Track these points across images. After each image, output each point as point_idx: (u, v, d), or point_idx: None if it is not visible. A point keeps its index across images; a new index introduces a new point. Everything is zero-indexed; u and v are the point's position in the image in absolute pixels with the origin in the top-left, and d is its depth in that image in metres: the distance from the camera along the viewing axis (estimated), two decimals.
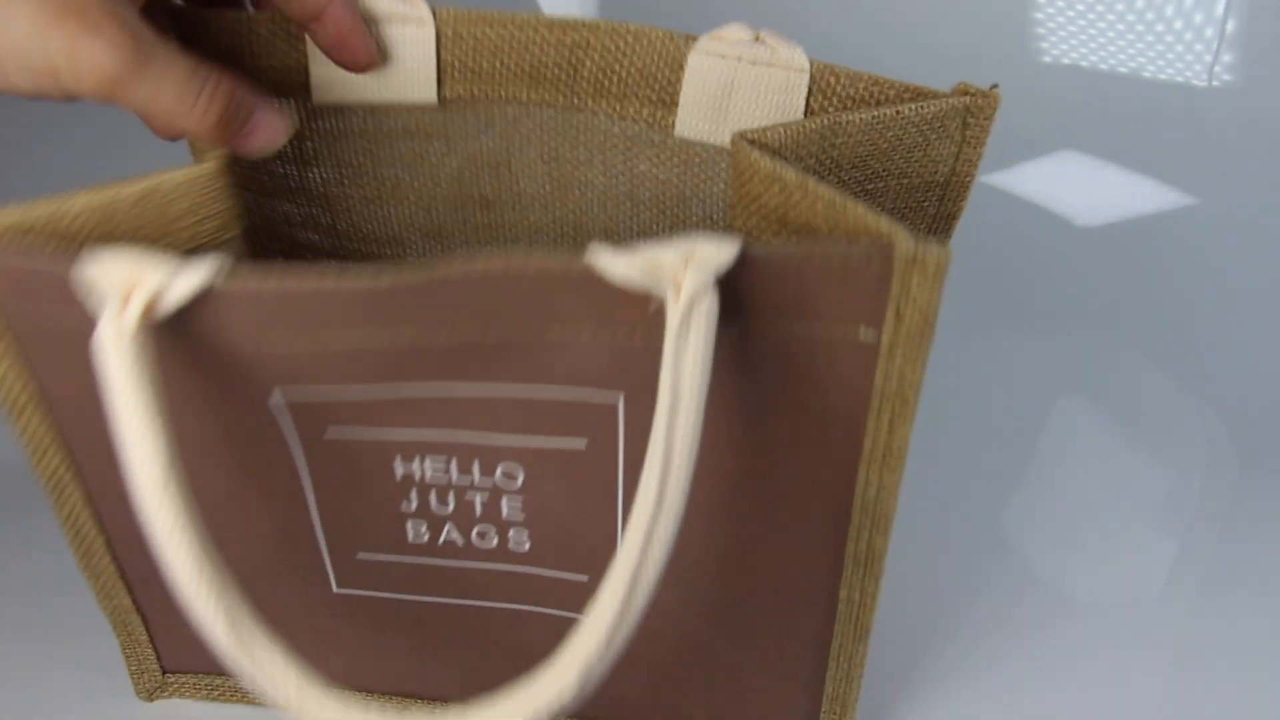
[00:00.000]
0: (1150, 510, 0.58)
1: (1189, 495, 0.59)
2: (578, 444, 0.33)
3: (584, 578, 0.36)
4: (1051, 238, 0.76)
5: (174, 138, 0.33)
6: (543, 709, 0.28)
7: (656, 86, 0.37)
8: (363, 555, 0.37)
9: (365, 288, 0.29)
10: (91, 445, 0.35)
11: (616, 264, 0.27)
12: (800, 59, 0.36)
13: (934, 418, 0.65)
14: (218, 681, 0.43)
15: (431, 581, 0.38)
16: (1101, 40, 0.77)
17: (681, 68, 0.37)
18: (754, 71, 0.36)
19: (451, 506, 0.35)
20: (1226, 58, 0.75)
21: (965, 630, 0.49)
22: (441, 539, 0.36)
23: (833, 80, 0.36)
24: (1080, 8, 0.77)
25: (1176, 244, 0.74)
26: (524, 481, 0.34)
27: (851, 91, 0.36)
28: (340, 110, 0.39)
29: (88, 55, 0.29)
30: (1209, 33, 0.75)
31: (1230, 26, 0.75)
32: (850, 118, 0.33)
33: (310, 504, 0.36)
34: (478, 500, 0.35)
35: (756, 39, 0.36)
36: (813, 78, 0.36)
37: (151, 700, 0.44)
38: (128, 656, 0.43)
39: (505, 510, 0.35)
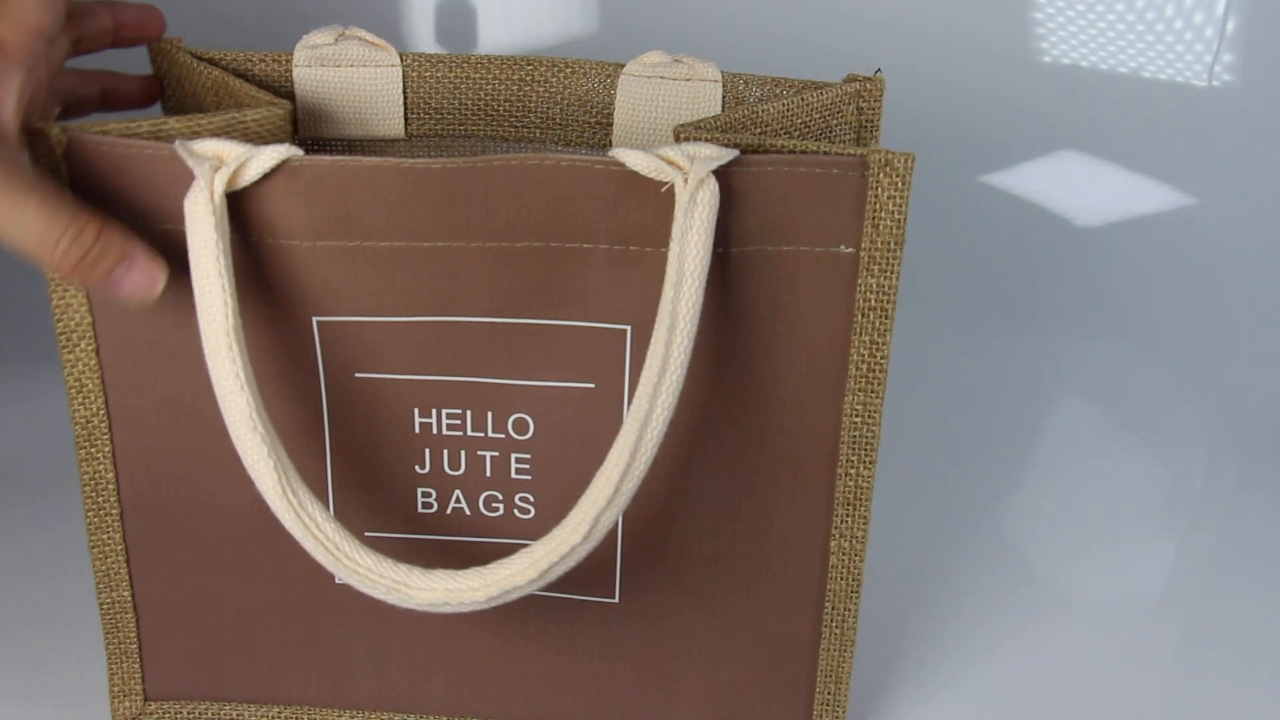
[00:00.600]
0: (1150, 510, 0.58)
1: (1189, 495, 0.59)
2: (587, 388, 0.37)
3: (580, 558, 0.37)
4: (1051, 238, 0.76)
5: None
6: (553, 563, 0.33)
7: (593, 109, 0.43)
8: (369, 534, 0.39)
9: (421, 167, 0.33)
10: (131, 393, 0.37)
11: (634, 156, 0.33)
12: (713, 72, 0.42)
13: (934, 417, 0.65)
14: (203, 710, 0.42)
15: (434, 559, 0.38)
16: (1101, 40, 0.77)
17: (613, 90, 0.43)
18: (674, 86, 0.42)
19: (463, 467, 0.38)
20: (1226, 57, 0.75)
21: (964, 629, 0.49)
22: (450, 507, 0.38)
23: (741, 85, 0.42)
24: (1080, 8, 0.77)
25: (1176, 244, 0.75)
26: (534, 433, 0.37)
27: (759, 92, 0.42)
28: (320, 143, 0.44)
29: None
30: (1209, 32, 0.75)
31: (1230, 26, 0.75)
32: (767, 107, 0.38)
33: (327, 471, 0.38)
34: (488, 460, 0.38)
35: (675, 61, 0.42)
36: (725, 86, 0.42)
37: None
38: (112, 674, 0.41)
39: (513, 470, 0.38)
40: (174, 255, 0.34)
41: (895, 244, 0.35)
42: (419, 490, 0.38)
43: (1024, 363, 0.70)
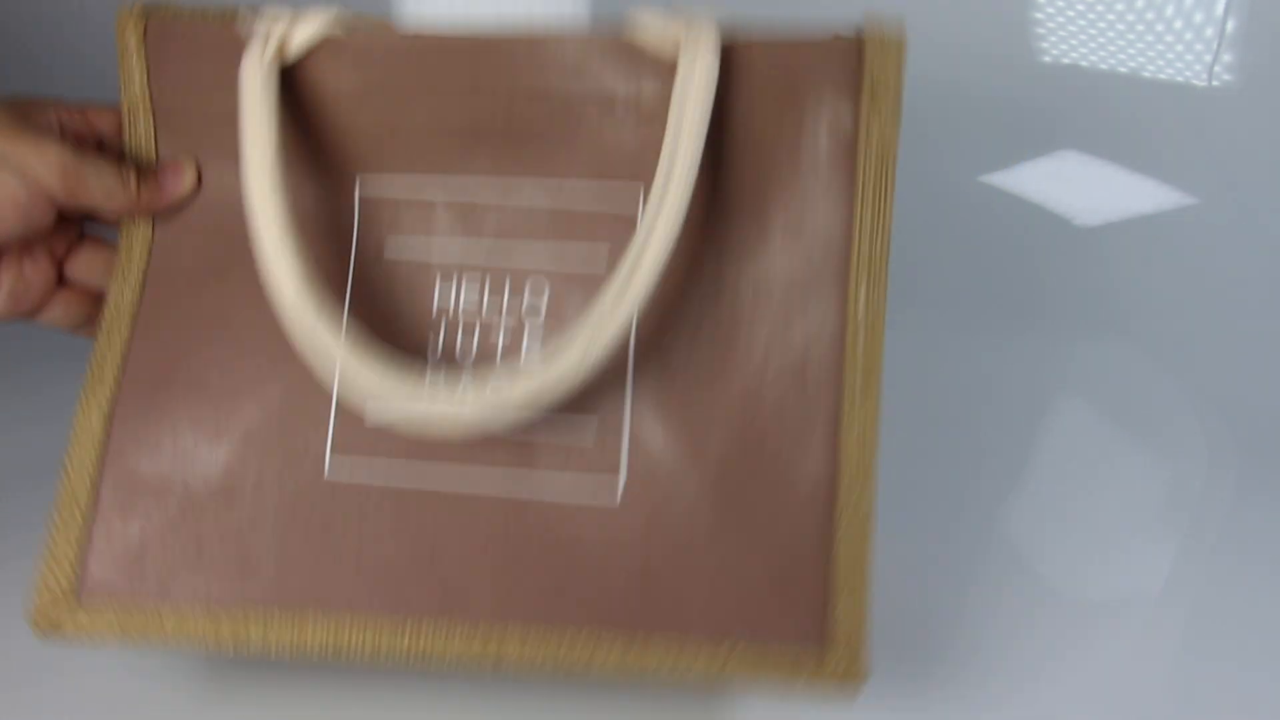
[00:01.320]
0: (1150, 510, 0.58)
1: (1189, 495, 0.59)
2: (599, 254, 0.39)
3: (587, 441, 0.38)
4: (1051, 238, 0.76)
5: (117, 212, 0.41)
6: (603, 343, 0.35)
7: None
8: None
9: (452, 37, 0.38)
10: (170, 269, 0.41)
11: (643, 18, 0.37)
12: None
13: (934, 418, 0.65)
14: (140, 607, 0.38)
15: (429, 459, 0.38)
16: (1101, 40, 0.77)
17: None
18: None
19: (475, 350, 0.40)
20: (1226, 57, 0.75)
21: (964, 630, 0.49)
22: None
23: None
24: (1080, 7, 0.76)
25: (1176, 244, 0.74)
26: (548, 303, 0.39)
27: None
28: None
29: (47, 151, 0.39)
30: (1209, 32, 0.75)
31: (1230, 26, 0.75)
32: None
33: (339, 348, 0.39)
34: (500, 339, 0.39)
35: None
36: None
37: (47, 634, 0.38)
38: (45, 567, 0.39)
39: (525, 348, 0.39)
40: (227, 136, 0.39)
41: (893, 117, 0.37)
42: (427, 374, 0.39)
43: (1024, 363, 0.70)
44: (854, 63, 0.37)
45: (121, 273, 0.41)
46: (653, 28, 0.37)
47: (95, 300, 0.44)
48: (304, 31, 0.39)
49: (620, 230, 0.39)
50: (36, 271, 0.43)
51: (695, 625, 0.38)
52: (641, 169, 0.39)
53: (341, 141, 0.40)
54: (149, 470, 0.39)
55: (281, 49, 0.39)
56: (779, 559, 0.38)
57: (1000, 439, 0.63)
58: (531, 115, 0.39)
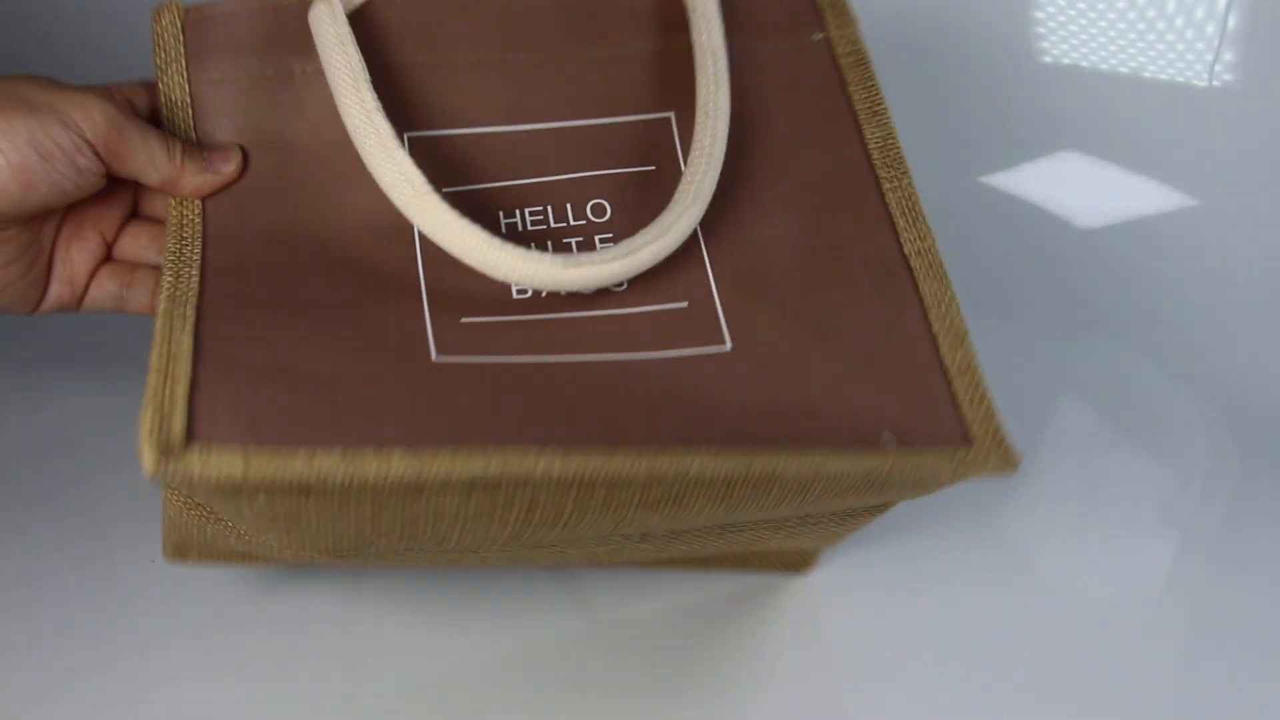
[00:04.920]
0: (1150, 510, 0.58)
1: (1189, 495, 0.59)
2: (649, 169, 0.43)
3: (683, 304, 0.40)
4: (1051, 238, 0.76)
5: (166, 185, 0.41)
6: (686, 223, 0.39)
7: None
8: (465, 319, 0.39)
9: None
10: (228, 231, 0.40)
11: None
12: None
13: None
14: (257, 452, 0.31)
15: (533, 338, 0.38)
16: (1102, 40, 0.77)
17: None
18: None
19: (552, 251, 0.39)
20: (1227, 57, 0.75)
21: (964, 630, 0.49)
22: (544, 291, 0.40)
23: None
24: (1080, 7, 0.76)
25: (1176, 244, 0.74)
26: (612, 214, 0.42)
27: None
28: None
29: (92, 105, 0.39)
30: (1210, 31, 0.75)
31: (1232, 24, 0.75)
32: None
33: (419, 275, 0.40)
34: (574, 245, 0.41)
35: None
36: None
37: (163, 475, 0.30)
38: (152, 401, 0.31)
39: (599, 249, 0.40)
40: (271, 117, 0.41)
41: (850, 23, 0.46)
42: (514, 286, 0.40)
43: (1023, 363, 0.70)
44: None
45: (175, 259, 0.37)
46: None
47: (135, 270, 0.44)
48: None
49: (661, 149, 0.43)
50: (84, 252, 0.43)
51: (847, 436, 0.37)
52: (671, 101, 0.44)
53: (392, 94, 0.41)
54: (259, 359, 0.34)
55: None
56: (896, 378, 0.39)
57: None
58: (575, 61, 0.43)
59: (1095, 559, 0.54)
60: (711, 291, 0.41)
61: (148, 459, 0.30)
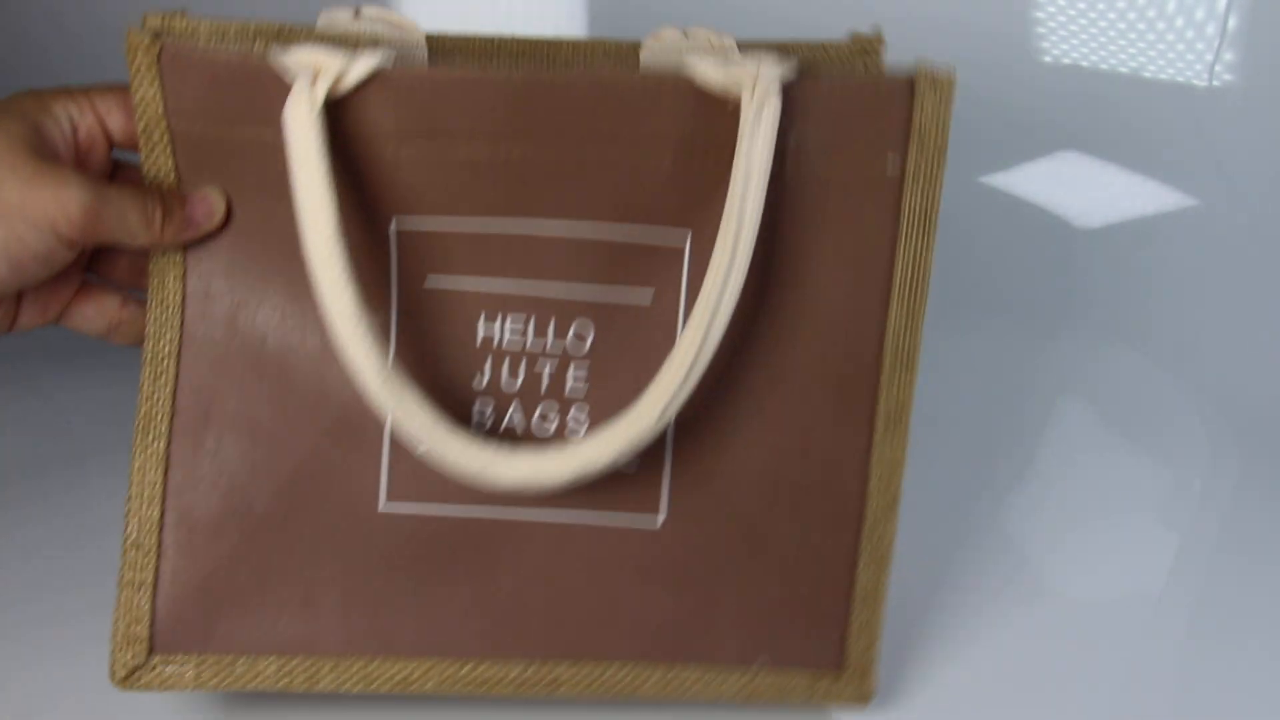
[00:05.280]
0: (1150, 510, 0.58)
1: (1189, 495, 0.59)
2: (645, 297, 0.39)
3: (631, 469, 0.39)
4: (1051, 238, 0.76)
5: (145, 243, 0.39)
6: (627, 442, 0.36)
7: None
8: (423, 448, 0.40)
9: (501, 78, 0.36)
10: (204, 293, 0.40)
11: (707, 66, 0.36)
12: (730, 41, 0.41)
13: (934, 417, 0.65)
14: (212, 661, 0.40)
15: (479, 498, 0.39)
16: (1102, 40, 0.77)
17: (636, 66, 0.43)
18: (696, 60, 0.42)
19: (520, 381, 0.40)
20: (1228, 56, 0.75)
21: (965, 631, 0.49)
22: (504, 423, 0.40)
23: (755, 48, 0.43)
24: (1080, 7, 0.77)
25: (1176, 244, 0.75)
26: (592, 343, 0.39)
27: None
28: None
29: (68, 196, 0.37)
30: (1210, 30, 0.75)
31: (1232, 23, 0.75)
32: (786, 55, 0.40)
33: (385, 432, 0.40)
34: (545, 372, 0.40)
35: (685, 35, 0.42)
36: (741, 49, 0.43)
37: (126, 685, 0.40)
38: (119, 618, 0.40)
39: (570, 383, 0.40)
40: (254, 163, 0.37)
41: (939, 159, 0.38)
42: (476, 404, 0.40)
43: (1024, 363, 0.70)
44: (905, 108, 0.38)
45: (156, 316, 0.40)
46: (712, 74, 0.36)
47: (121, 299, 0.43)
48: (356, 72, 0.36)
49: (666, 271, 0.39)
50: (63, 279, 0.42)
51: (726, 653, 0.41)
52: (690, 219, 0.38)
53: (380, 179, 0.38)
54: (208, 511, 0.40)
55: (335, 85, 0.36)
56: (803, 589, 0.41)
57: (1000, 439, 0.63)
58: (580, 162, 0.38)
59: (1095, 559, 0.54)
60: (665, 462, 0.40)
61: (117, 675, 0.40)
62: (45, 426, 0.63)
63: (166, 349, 0.40)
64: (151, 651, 0.40)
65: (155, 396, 0.40)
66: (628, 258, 0.39)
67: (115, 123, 0.41)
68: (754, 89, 0.35)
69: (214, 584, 0.40)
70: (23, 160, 0.37)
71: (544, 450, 0.36)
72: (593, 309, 0.39)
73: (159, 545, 0.40)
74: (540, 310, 0.39)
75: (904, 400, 0.40)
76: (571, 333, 0.39)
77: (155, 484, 0.40)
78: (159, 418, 0.40)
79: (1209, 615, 0.51)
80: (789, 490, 0.40)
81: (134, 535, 0.40)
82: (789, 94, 0.36)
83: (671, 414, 0.36)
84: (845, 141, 0.38)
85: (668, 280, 0.39)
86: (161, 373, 0.40)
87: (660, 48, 0.42)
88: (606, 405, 0.39)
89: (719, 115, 0.36)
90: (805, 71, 0.37)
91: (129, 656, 0.40)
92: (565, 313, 0.39)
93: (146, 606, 0.40)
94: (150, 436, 0.40)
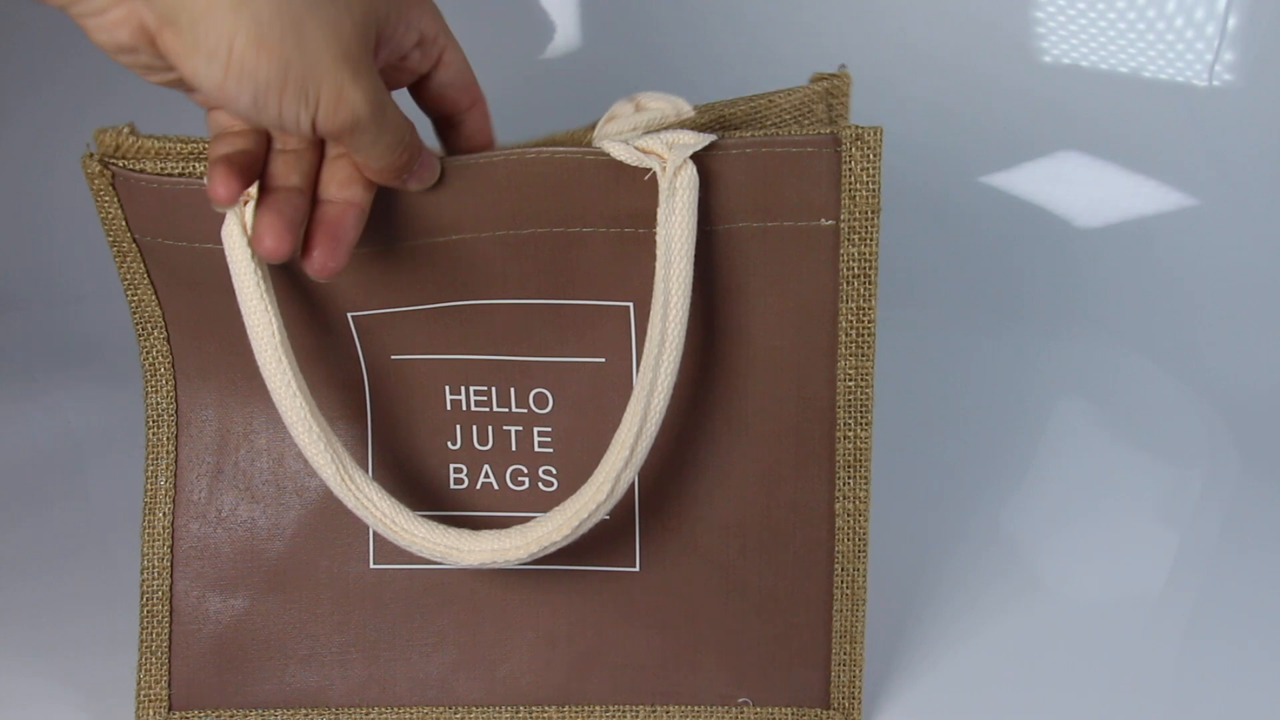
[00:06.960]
0: (1150, 510, 0.58)
1: (1189, 495, 0.59)
2: (598, 362, 0.40)
3: (604, 517, 0.40)
4: (1051, 238, 0.76)
5: (376, 178, 0.37)
6: (582, 519, 0.37)
7: None
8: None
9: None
10: (198, 374, 0.42)
11: (616, 147, 0.36)
12: (685, 109, 0.39)
13: (934, 417, 0.65)
14: (227, 716, 0.43)
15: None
16: (1102, 40, 0.77)
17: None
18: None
19: (490, 442, 0.41)
20: (1228, 56, 0.75)
21: (965, 631, 0.49)
22: (480, 482, 0.42)
23: (718, 107, 0.41)
24: (1080, 7, 0.77)
25: (1176, 244, 0.75)
26: (553, 407, 0.41)
27: (732, 111, 0.41)
28: None
29: (350, 99, 0.33)
30: (1210, 30, 0.75)
31: (1232, 23, 0.75)
32: (734, 109, 0.40)
33: (368, 452, 0.42)
34: (513, 434, 0.41)
35: (636, 107, 0.40)
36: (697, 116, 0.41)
37: None
38: (140, 680, 0.42)
39: (536, 443, 0.41)
40: (216, 272, 0.37)
41: (872, 213, 0.38)
42: (451, 467, 0.42)
43: (1024, 363, 0.70)
44: (833, 165, 0.37)
45: (152, 411, 0.42)
46: (624, 155, 0.36)
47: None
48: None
49: (616, 333, 0.40)
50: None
51: (711, 694, 0.42)
52: (631, 289, 0.39)
53: (330, 285, 0.39)
54: (215, 576, 0.42)
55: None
56: (783, 630, 0.42)
57: (1000, 438, 0.63)
58: (518, 241, 0.38)
59: (1095, 559, 0.54)
60: (634, 513, 0.41)
61: None
62: (45, 427, 0.63)
63: (165, 435, 0.42)
64: (170, 709, 0.42)
65: (158, 474, 0.42)
66: (578, 323, 0.40)
67: (442, 74, 0.39)
68: (664, 166, 0.36)
69: (224, 644, 0.42)
70: (356, 46, 0.34)
71: (504, 533, 0.37)
72: (551, 370, 0.41)
73: (170, 612, 0.42)
74: (500, 377, 0.41)
75: (862, 449, 0.40)
76: (532, 397, 0.41)
77: (164, 557, 0.42)
78: (163, 497, 0.42)
79: (1209, 615, 0.51)
80: (758, 536, 0.41)
81: (148, 605, 0.42)
82: (706, 164, 0.37)
83: (623, 487, 0.37)
84: (774, 201, 0.38)
85: (619, 343, 0.40)
86: (161, 457, 0.42)
87: (612, 129, 0.41)
88: (574, 462, 0.41)
89: (645, 188, 0.37)
90: (740, 130, 0.38)
91: (151, 715, 0.42)
92: (525, 376, 0.41)
93: (164, 668, 0.42)
94: (157, 515, 0.42)
